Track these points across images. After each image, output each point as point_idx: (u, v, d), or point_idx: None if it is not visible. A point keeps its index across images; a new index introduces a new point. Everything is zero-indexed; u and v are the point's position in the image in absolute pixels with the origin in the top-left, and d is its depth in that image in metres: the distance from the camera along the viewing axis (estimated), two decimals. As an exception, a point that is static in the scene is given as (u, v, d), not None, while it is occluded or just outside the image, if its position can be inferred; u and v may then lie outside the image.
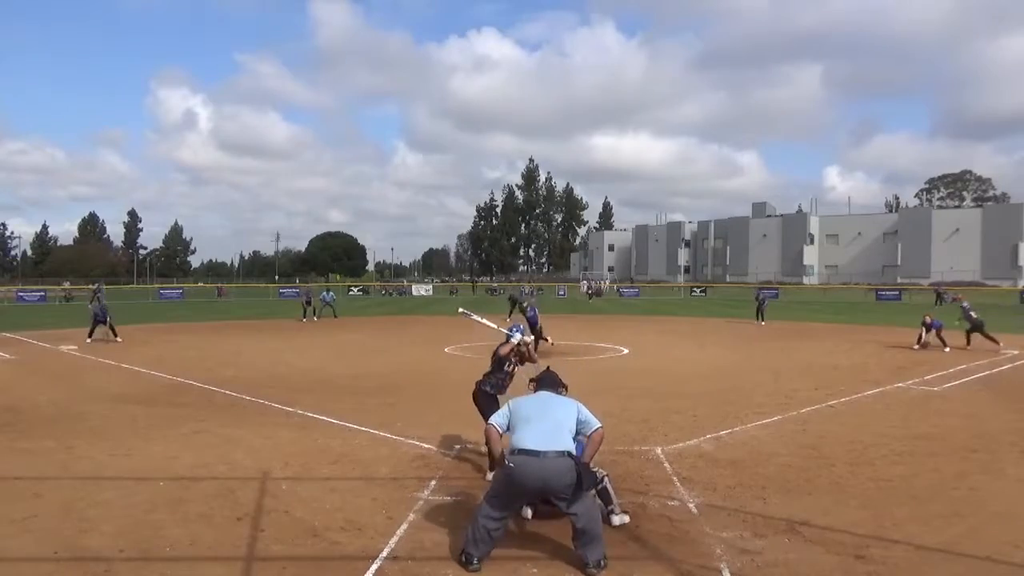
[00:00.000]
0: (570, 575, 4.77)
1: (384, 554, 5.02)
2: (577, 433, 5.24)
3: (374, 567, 4.81)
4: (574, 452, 5.00)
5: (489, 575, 4.77)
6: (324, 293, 34.53)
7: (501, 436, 5.34)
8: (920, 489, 6.64)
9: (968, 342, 18.96)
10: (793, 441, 8.54)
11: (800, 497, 6.38)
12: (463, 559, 4.85)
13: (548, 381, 5.78)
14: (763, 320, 29.10)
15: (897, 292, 56.54)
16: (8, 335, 22.89)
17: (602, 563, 4.78)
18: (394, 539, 5.31)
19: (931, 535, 5.42)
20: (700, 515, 5.89)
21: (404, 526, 5.58)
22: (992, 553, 5.06)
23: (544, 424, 5.07)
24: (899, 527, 5.59)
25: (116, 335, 20.67)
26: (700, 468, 7.32)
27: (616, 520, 5.63)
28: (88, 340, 20.23)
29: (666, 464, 7.39)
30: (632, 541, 5.37)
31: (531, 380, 5.86)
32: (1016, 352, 17.78)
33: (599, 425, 5.25)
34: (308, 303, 32.11)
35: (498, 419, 5.34)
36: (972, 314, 19.28)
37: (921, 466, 7.43)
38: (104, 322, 20.80)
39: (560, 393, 5.71)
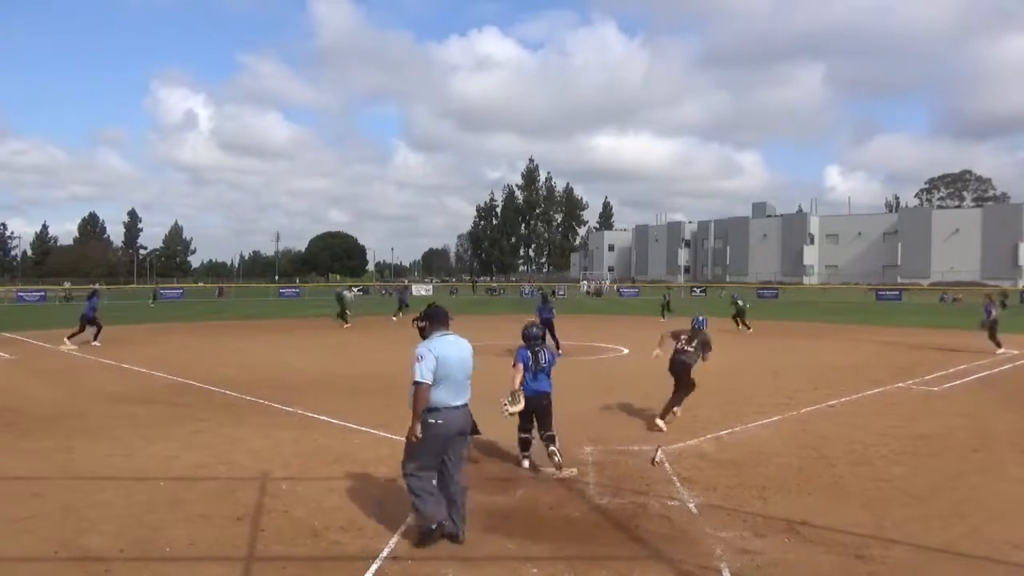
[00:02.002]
0: (570, 575, 4.77)
1: (384, 554, 5.03)
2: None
3: (374, 567, 4.81)
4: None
5: (489, 575, 4.78)
6: (346, 291, 33.06)
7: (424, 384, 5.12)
8: (920, 489, 6.64)
9: (738, 325, 24.97)
10: (793, 441, 8.53)
11: (800, 497, 6.38)
12: (433, 527, 5.15)
13: (443, 318, 5.51)
14: (671, 313, 31.08)
15: (897, 292, 56.60)
16: (8, 335, 22.90)
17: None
18: (394, 539, 5.31)
19: (931, 535, 5.42)
20: (700, 515, 5.89)
21: (404, 526, 5.58)
22: (992, 553, 5.07)
23: (461, 381, 5.32)
24: (899, 527, 5.59)
25: (71, 338, 19.52)
26: (700, 468, 7.32)
27: (558, 463, 6.99)
28: (95, 343, 19.85)
29: (666, 464, 7.39)
30: (632, 541, 5.37)
31: (415, 319, 5.82)
32: (1016, 352, 17.78)
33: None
34: (403, 303, 32.06)
35: (429, 376, 5.09)
36: (739, 302, 25.38)
37: (921, 466, 7.44)
38: (91, 321, 19.91)
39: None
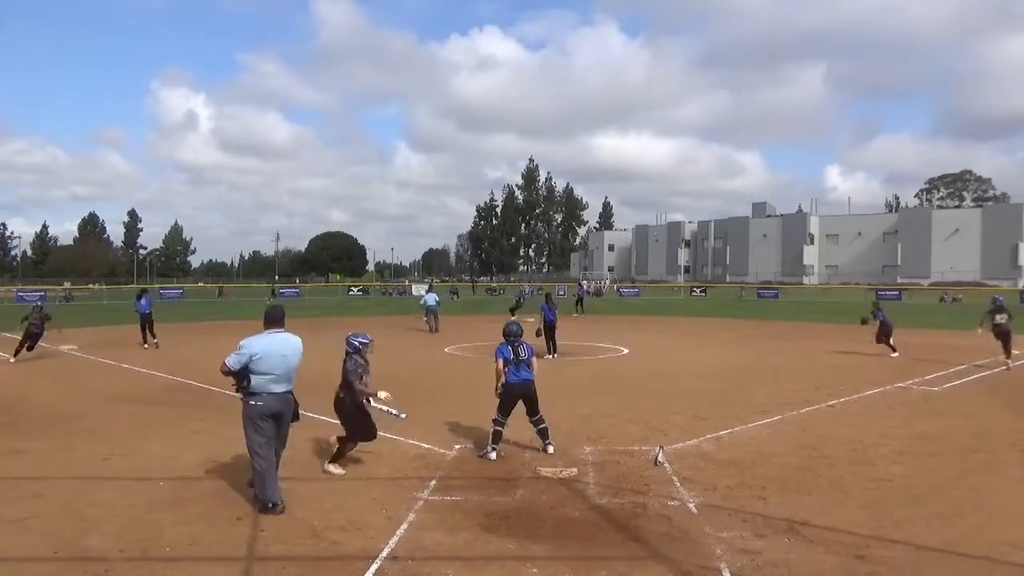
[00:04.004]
0: (570, 575, 4.77)
1: (384, 554, 5.03)
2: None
3: (374, 567, 4.82)
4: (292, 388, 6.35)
5: (489, 575, 4.78)
6: (428, 295, 26.31)
7: (230, 372, 6.09)
8: (920, 489, 6.64)
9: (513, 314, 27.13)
10: (793, 441, 8.53)
11: (800, 497, 6.38)
12: (270, 507, 5.84)
13: (275, 317, 6.36)
14: (583, 312, 33.91)
15: (897, 292, 56.55)
16: (8, 335, 22.88)
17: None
18: (394, 539, 5.31)
19: (931, 535, 5.43)
20: (700, 515, 5.89)
21: (404, 526, 5.58)
22: (992, 553, 5.07)
23: (284, 373, 6.16)
24: (899, 527, 5.59)
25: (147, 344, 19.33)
26: (700, 468, 7.32)
27: (551, 449, 7.84)
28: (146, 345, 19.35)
29: (666, 464, 7.39)
30: (632, 541, 5.37)
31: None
32: (1016, 352, 17.76)
33: None
34: (519, 304, 32.35)
35: (235, 367, 6.04)
36: (520, 299, 30.71)
37: (921, 466, 7.44)
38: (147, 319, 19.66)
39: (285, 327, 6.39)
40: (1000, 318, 15.51)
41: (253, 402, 6.08)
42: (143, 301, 20.13)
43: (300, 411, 6.61)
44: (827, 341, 21.56)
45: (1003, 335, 15.49)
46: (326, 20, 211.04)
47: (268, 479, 6.00)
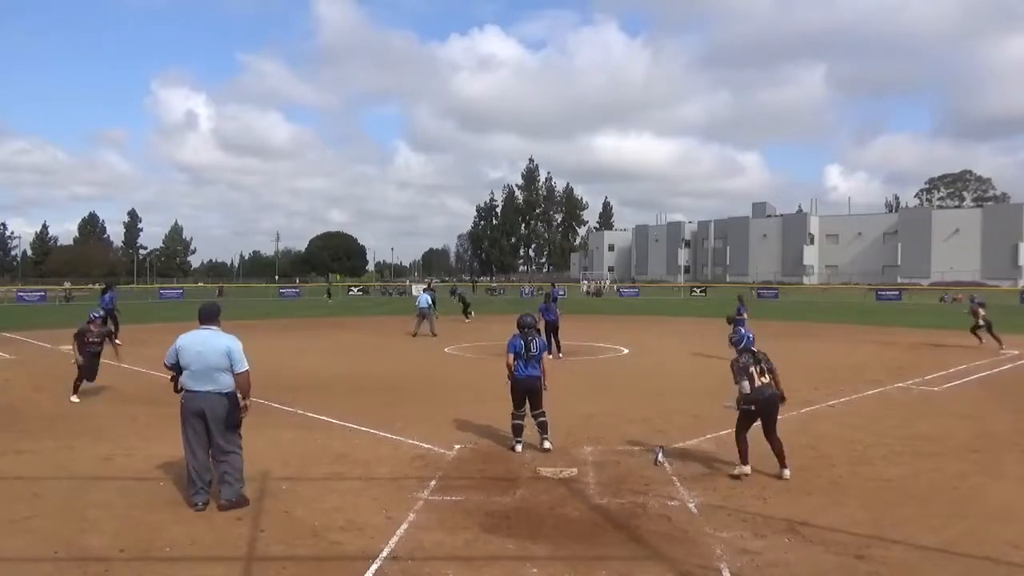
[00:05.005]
0: (570, 575, 4.77)
1: (384, 554, 5.03)
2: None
3: (374, 567, 4.82)
4: (229, 390, 6.07)
5: (489, 575, 4.78)
6: (425, 294, 23.92)
7: (169, 367, 6.25)
8: (920, 489, 6.64)
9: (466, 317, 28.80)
10: (793, 441, 8.50)
11: (800, 497, 6.38)
12: (197, 506, 5.90)
13: (211, 314, 6.28)
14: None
15: (897, 292, 56.56)
16: (8, 335, 22.88)
17: (233, 500, 5.93)
18: (394, 539, 5.31)
19: (931, 535, 5.42)
20: (700, 515, 5.89)
21: (404, 526, 5.58)
22: (992, 553, 5.07)
23: (201, 371, 6.03)
24: (899, 527, 5.59)
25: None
26: (700, 468, 7.32)
27: (547, 444, 7.84)
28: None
29: (666, 464, 7.39)
30: (632, 541, 5.37)
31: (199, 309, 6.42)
32: (1016, 352, 17.77)
33: (245, 369, 6.13)
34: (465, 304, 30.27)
35: (168, 360, 6.21)
36: (466, 298, 30.62)
37: (921, 466, 7.44)
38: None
39: (220, 325, 6.30)
40: (983, 311, 18.62)
41: (183, 401, 6.18)
42: (106, 297, 20.17)
43: (243, 415, 6.18)
44: (827, 341, 21.55)
45: (989, 326, 18.52)
46: (326, 20, 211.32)
47: (192, 477, 6.04)
